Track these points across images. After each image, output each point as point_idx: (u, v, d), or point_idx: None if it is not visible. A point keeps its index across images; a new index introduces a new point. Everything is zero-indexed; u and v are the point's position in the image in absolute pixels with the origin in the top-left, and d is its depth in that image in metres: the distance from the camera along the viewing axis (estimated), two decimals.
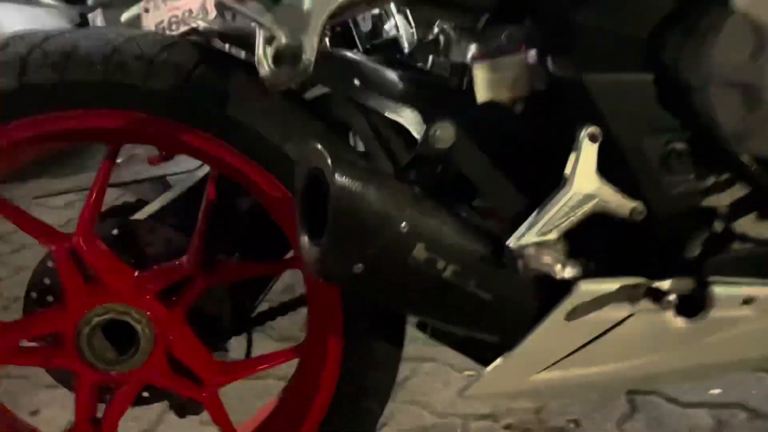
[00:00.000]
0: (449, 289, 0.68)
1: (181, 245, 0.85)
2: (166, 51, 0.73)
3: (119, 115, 0.72)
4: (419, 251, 0.65)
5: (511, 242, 0.69)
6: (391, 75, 0.80)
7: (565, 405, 1.22)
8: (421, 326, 0.90)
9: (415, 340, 1.50)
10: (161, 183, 1.05)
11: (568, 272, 0.66)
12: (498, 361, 0.78)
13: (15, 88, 0.69)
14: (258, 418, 0.93)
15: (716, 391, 1.23)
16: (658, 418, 1.17)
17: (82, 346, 0.78)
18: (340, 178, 0.60)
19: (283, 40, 0.57)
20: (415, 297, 0.68)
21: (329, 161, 0.60)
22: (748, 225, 0.84)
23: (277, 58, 0.59)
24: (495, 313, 0.74)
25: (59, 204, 2.40)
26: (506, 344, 0.78)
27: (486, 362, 0.89)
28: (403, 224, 0.63)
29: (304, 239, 0.67)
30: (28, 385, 1.47)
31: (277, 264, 0.88)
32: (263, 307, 1.05)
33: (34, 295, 0.84)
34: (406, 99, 0.77)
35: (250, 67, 0.75)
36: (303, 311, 1.20)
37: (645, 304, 0.76)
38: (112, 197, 1.06)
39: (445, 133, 0.68)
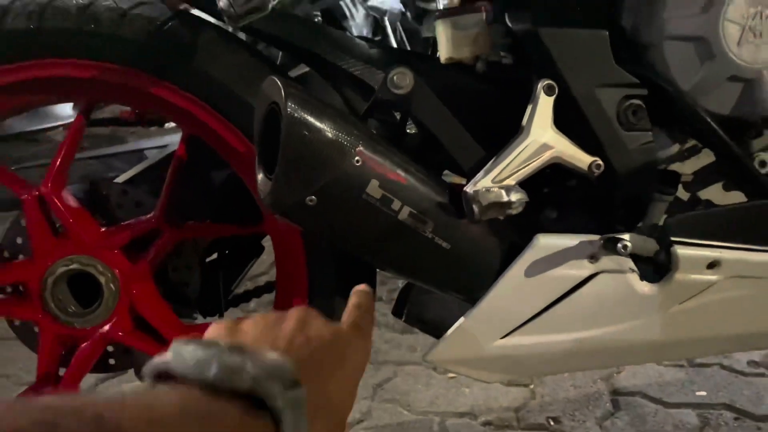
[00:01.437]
0: (406, 232, 0.68)
1: (150, 207, 0.86)
2: (140, 6, 0.76)
3: (92, 66, 0.75)
4: (373, 188, 0.65)
5: (468, 187, 0.69)
6: (360, 42, 0.83)
7: (545, 403, 1.19)
8: (397, 311, 0.89)
9: (399, 347, 1.50)
10: (138, 156, 1.08)
11: (513, 196, 0.66)
12: (459, 321, 0.77)
13: None
14: None
15: (702, 393, 1.19)
16: (641, 416, 1.14)
17: (46, 297, 0.79)
18: (293, 107, 0.61)
19: None
20: (370, 237, 0.68)
21: (283, 91, 0.62)
22: (712, 193, 0.84)
23: None
24: (454, 264, 0.73)
25: None
26: (469, 302, 0.77)
27: None
28: (357, 158, 0.64)
29: (260, 176, 0.67)
30: (8, 383, 1.47)
31: (244, 226, 0.88)
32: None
33: (6, 253, 0.85)
34: (371, 61, 0.79)
35: (219, 27, 0.78)
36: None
37: (606, 262, 0.75)
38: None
39: (403, 78, 0.69)
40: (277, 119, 0.65)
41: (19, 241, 0.85)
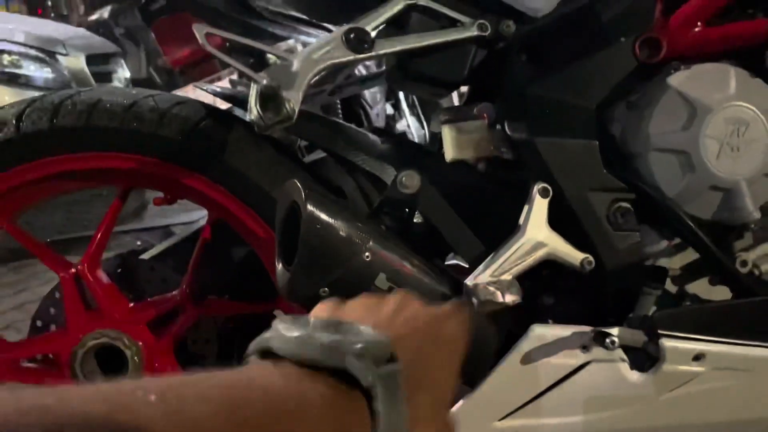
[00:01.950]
0: None
1: (177, 284, 0.93)
2: (177, 105, 0.85)
3: (133, 159, 0.83)
4: (381, 280, 0.72)
5: (468, 281, 0.76)
6: (374, 138, 0.92)
7: None
8: None
9: None
10: (166, 232, 1.15)
11: (509, 298, 0.72)
12: (459, 403, 0.82)
13: (47, 131, 0.81)
14: None
15: None
16: None
17: (76, 368, 0.85)
18: (311, 207, 0.69)
19: (271, 91, 0.68)
20: None
21: (303, 192, 0.69)
22: (698, 287, 0.90)
23: (265, 106, 0.69)
24: None
25: None
26: (468, 386, 0.82)
27: None
28: (367, 254, 0.71)
29: (279, 266, 0.74)
30: None
31: (262, 303, 0.95)
32: None
33: (39, 323, 0.92)
34: (383, 157, 0.88)
35: (247, 124, 0.87)
36: None
37: (598, 352, 0.80)
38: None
39: (411, 180, 0.77)
40: (296, 216, 0.72)
41: (52, 311, 0.92)
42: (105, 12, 6.69)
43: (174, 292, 0.89)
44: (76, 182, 0.87)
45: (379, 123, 2.01)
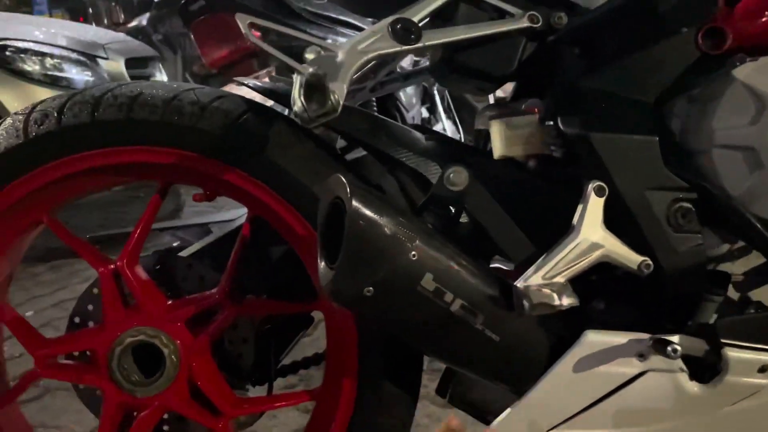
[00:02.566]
0: (457, 324, 0.71)
1: (213, 282, 0.92)
2: (218, 99, 0.83)
3: (173, 153, 0.82)
4: (427, 281, 0.69)
5: (519, 283, 0.72)
6: (418, 135, 0.88)
7: None
8: (441, 391, 0.91)
9: (439, 421, 1.49)
10: (203, 230, 1.14)
11: (566, 301, 0.68)
12: (507, 411, 0.79)
13: (89, 124, 0.80)
14: None
15: None
16: None
17: (113, 366, 0.83)
18: (356, 204, 0.66)
19: (317, 80, 0.66)
20: (423, 327, 0.71)
21: (348, 188, 0.67)
22: (764, 294, 0.84)
23: (309, 98, 0.67)
24: (503, 356, 0.75)
25: None
26: (518, 394, 0.78)
27: None
28: (413, 253, 0.68)
29: (322, 264, 0.72)
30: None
31: (300, 304, 0.92)
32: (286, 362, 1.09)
33: (77, 319, 0.91)
34: (428, 154, 0.84)
35: (288, 119, 0.85)
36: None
37: (656, 361, 0.76)
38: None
39: (459, 176, 0.73)
40: (340, 213, 0.70)
41: (90, 308, 0.91)
42: (143, 19, 6.84)
43: (213, 291, 0.87)
44: (116, 177, 0.86)
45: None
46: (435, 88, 2.89)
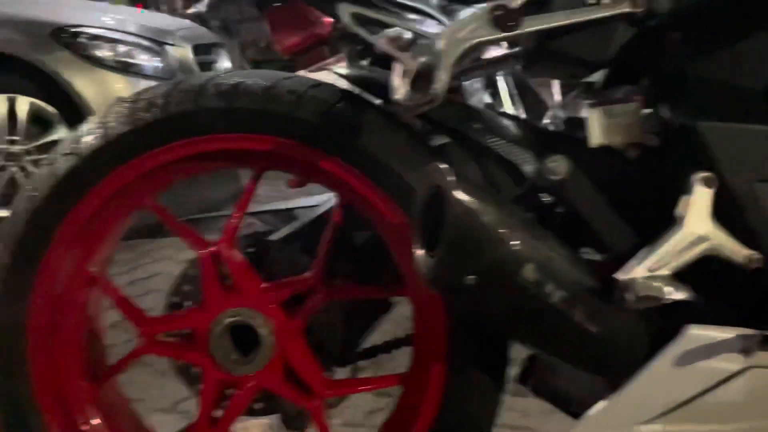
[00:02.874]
0: (556, 315, 0.71)
1: (303, 265, 0.94)
2: (314, 88, 0.85)
3: (270, 140, 0.84)
4: (528, 271, 0.68)
5: (621, 275, 0.71)
6: (508, 122, 0.88)
7: None
8: (523, 379, 0.91)
9: (512, 409, 1.48)
10: (288, 215, 1.17)
11: (674, 294, 0.66)
12: (602, 403, 0.78)
13: (192, 111, 0.82)
14: None
15: None
16: None
17: (212, 345, 0.87)
18: (459, 193, 0.66)
19: (427, 69, 0.66)
20: (521, 318, 0.71)
21: (449, 177, 0.67)
22: None
23: (414, 86, 0.67)
24: (601, 348, 0.75)
25: (184, 259, 2.64)
26: (612, 386, 0.78)
27: None
28: (516, 242, 0.67)
29: (420, 252, 0.72)
30: (143, 407, 1.59)
31: (390, 290, 0.94)
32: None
33: (174, 299, 0.95)
34: (520, 142, 0.84)
35: (380, 108, 0.85)
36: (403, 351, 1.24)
37: (761, 357, 0.73)
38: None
39: (559, 165, 0.73)
40: (439, 200, 0.70)
41: (186, 288, 0.95)
42: (202, 5, 6.97)
43: (307, 274, 0.89)
44: (215, 162, 0.89)
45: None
46: (500, 74, 2.84)
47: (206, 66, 3.61)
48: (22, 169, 2.96)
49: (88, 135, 0.84)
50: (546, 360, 0.90)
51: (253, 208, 1.22)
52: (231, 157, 0.87)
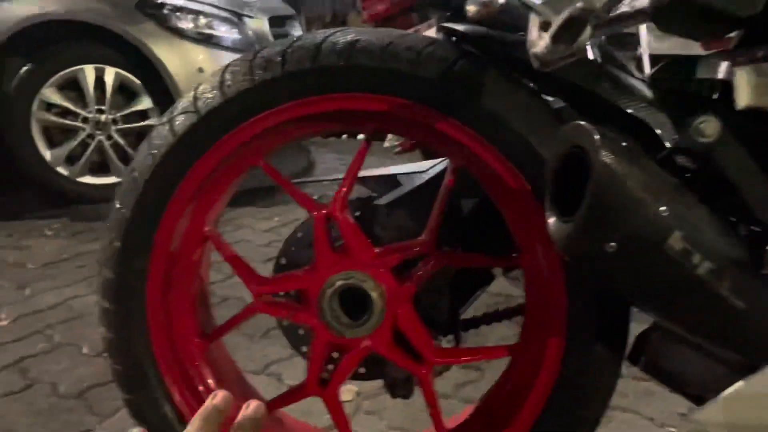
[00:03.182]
0: (700, 288, 0.66)
1: (410, 231, 0.92)
2: (431, 46, 0.81)
3: (387, 100, 0.81)
4: (675, 239, 0.64)
5: None
6: (639, 82, 0.82)
7: None
8: (633, 358, 0.86)
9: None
10: (392, 180, 1.15)
11: None
12: (739, 384, 0.73)
13: (310, 70, 0.81)
14: (465, 413, 0.94)
15: None
16: None
17: (324, 306, 0.86)
18: (606, 154, 0.62)
19: (582, 16, 0.61)
20: (663, 288, 0.67)
21: (596, 137, 0.62)
22: None
23: (558, 39, 0.63)
24: (744, 325, 0.69)
25: (264, 227, 2.68)
26: (749, 366, 0.72)
27: (701, 402, 0.83)
28: (664, 208, 0.63)
29: (553, 218, 0.69)
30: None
31: (502, 258, 0.90)
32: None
33: (283, 260, 0.95)
34: (654, 103, 0.78)
35: (499, 67, 0.81)
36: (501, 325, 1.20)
37: None
38: None
39: (709, 126, 0.67)
40: (578, 162, 0.66)
41: (293, 249, 0.95)
42: None
43: (419, 240, 0.87)
44: (329, 124, 0.87)
45: None
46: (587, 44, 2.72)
47: (280, 38, 3.63)
48: (109, 137, 3.07)
49: (206, 94, 0.83)
50: (661, 338, 0.85)
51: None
52: (345, 118, 0.85)
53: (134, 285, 0.87)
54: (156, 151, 0.84)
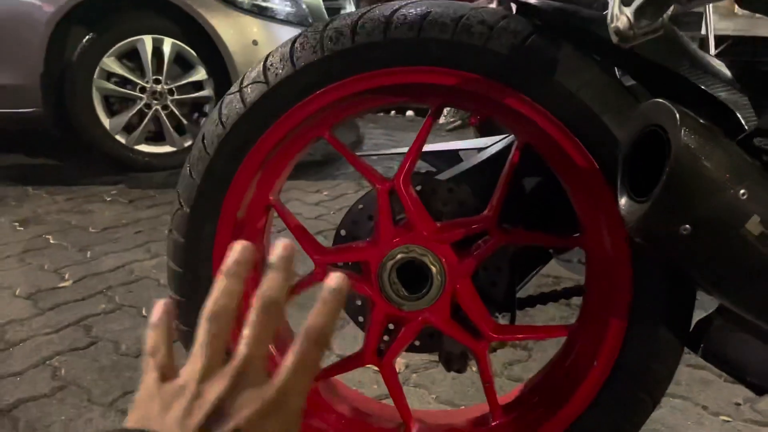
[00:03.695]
0: None
1: (472, 207, 0.92)
2: (504, 19, 0.80)
3: (455, 75, 0.81)
4: (753, 224, 0.62)
5: None
6: (718, 63, 0.79)
7: None
8: (693, 344, 0.85)
9: None
10: (452, 156, 1.15)
11: None
12: None
13: (381, 42, 0.81)
14: (519, 391, 0.94)
15: None
16: None
17: (384, 278, 0.87)
18: (687, 133, 0.60)
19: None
20: (737, 273, 0.65)
21: (677, 116, 0.61)
22: None
23: (641, 13, 0.62)
24: None
25: (312, 201, 2.71)
26: None
27: (762, 393, 0.82)
28: (743, 191, 0.61)
29: (625, 198, 0.68)
30: None
31: (564, 238, 0.90)
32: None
33: (342, 232, 0.96)
34: (734, 84, 0.76)
35: (572, 43, 0.80)
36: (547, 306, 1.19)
37: None
38: None
39: None
40: (655, 141, 0.65)
41: (353, 222, 0.96)
42: None
43: (481, 216, 0.87)
44: (395, 97, 0.87)
45: None
46: None
47: (333, 12, 3.63)
48: (165, 107, 3.14)
49: (276, 64, 0.85)
50: (723, 325, 0.83)
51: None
52: (413, 92, 0.85)
53: (202, 250, 0.89)
54: (226, 119, 0.86)
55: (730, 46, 3.60)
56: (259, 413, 0.38)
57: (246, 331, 0.40)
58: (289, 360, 0.40)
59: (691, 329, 0.85)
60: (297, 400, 0.40)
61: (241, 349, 0.40)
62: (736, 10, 3.46)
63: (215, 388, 0.38)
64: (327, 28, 0.84)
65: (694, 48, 0.79)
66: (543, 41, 0.80)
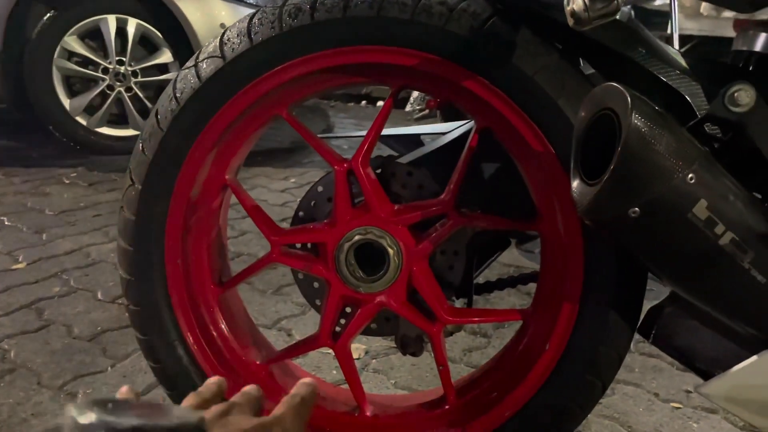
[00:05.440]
0: (722, 259, 0.65)
1: (431, 191, 0.91)
2: (465, 2, 0.80)
3: (416, 56, 0.80)
4: (700, 208, 0.63)
5: None
6: (674, 51, 0.80)
7: None
8: (644, 332, 0.86)
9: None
10: (414, 140, 1.14)
11: None
12: (753, 358, 0.73)
13: (340, 20, 0.80)
14: (473, 374, 0.95)
15: None
16: None
17: (340, 260, 0.87)
18: (637, 117, 0.61)
19: None
20: (684, 257, 0.66)
21: (629, 100, 0.61)
22: None
23: None
24: (764, 299, 0.69)
25: (279, 188, 2.68)
26: (766, 341, 0.72)
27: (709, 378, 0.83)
28: (691, 176, 0.62)
29: (577, 181, 0.68)
30: None
31: (520, 222, 0.90)
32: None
33: (301, 213, 0.95)
34: (688, 72, 0.77)
35: (533, 27, 0.80)
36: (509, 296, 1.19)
37: None
38: None
39: (745, 95, 0.66)
40: (607, 125, 0.65)
41: (312, 204, 0.95)
42: None
43: (439, 199, 0.87)
44: (353, 77, 0.86)
45: None
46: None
47: None
48: (128, 89, 3.07)
49: (233, 39, 0.83)
50: (673, 312, 0.85)
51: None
52: (372, 71, 0.84)
53: (154, 228, 0.87)
54: (180, 94, 0.84)
55: (694, 46, 3.68)
56: None
57: None
58: None
59: (643, 317, 0.86)
60: None
61: None
62: (701, 10, 3.54)
63: None
64: (286, 3, 0.83)
65: (650, 36, 0.80)
66: (502, 25, 0.79)
